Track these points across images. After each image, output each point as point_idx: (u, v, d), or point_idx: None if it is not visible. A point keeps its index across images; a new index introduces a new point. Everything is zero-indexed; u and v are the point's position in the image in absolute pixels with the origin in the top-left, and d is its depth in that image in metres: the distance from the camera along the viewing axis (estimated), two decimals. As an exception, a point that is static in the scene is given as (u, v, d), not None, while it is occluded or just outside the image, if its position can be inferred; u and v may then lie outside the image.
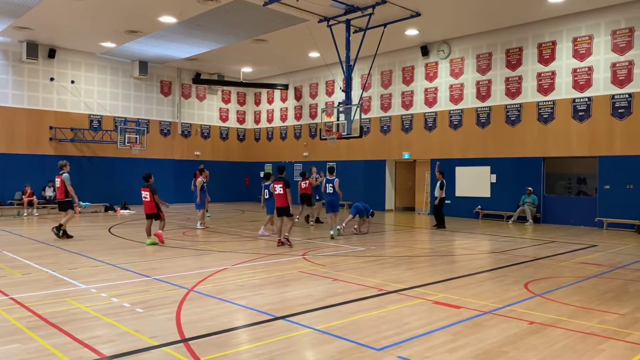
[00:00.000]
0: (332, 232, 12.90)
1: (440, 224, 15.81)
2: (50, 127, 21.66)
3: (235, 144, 28.87)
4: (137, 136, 22.81)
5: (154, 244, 11.37)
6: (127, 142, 22.21)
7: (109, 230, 14.60)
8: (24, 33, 19.56)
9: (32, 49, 20.74)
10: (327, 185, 13.25)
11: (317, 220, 16.46)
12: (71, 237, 12.38)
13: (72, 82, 22.40)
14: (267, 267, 8.90)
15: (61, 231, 12.20)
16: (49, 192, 20.68)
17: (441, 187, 15.81)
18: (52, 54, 21.48)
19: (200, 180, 15.19)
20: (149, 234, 11.61)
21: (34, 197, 19.39)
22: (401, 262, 9.66)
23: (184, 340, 4.91)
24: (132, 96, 24.39)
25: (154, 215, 11.57)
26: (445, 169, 20.13)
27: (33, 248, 11.02)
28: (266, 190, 13.27)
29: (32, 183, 19.92)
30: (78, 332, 5.09)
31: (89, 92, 22.95)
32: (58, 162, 12.88)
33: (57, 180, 12.49)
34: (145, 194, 11.46)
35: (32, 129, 21.26)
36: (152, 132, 24.91)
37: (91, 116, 23.03)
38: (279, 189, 11.34)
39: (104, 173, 22.91)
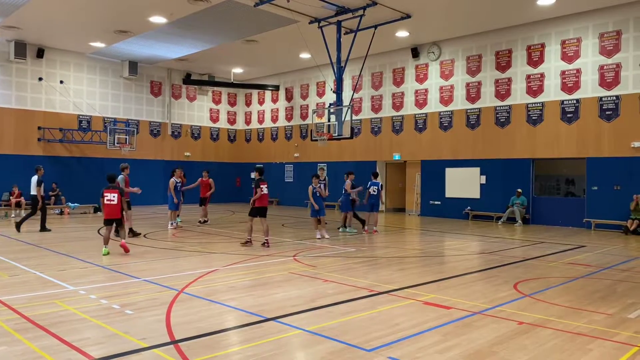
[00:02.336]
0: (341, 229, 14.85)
1: (362, 223, 15.15)
2: (39, 128, 21.47)
3: (225, 144, 28.79)
4: (127, 137, 22.67)
5: (109, 253, 10.14)
6: (117, 143, 22.07)
7: (98, 231, 14.48)
8: (12, 32, 19.37)
9: (20, 49, 20.55)
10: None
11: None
12: (139, 234, 13.20)
13: (61, 82, 22.22)
14: (258, 269, 8.88)
15: (130, 232, 13.00)
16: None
17: (354, 189, 15.18)
18: (40, 53, 21.30)
19: (172, 180, 15.12)
20: (106, 242, 10.24)
21: (22, 198, 19.18)
22: (392, 263, 9.68)
23: (174, 342, 4.88)
24: (121, 96, 24.25)
25: (118, 220, 10.31)
26: (435, 170, 20.33)
27: (21, 249, 10.89)
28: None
29: (20, 184, 19.67)
30: (66, 334, 5.04)
31: (78, 92, 22.78)
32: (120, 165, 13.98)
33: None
34: (112, 196, 10.17)
35: (20, 129, 21.06)
36: (142, 133, 24.78)
37: (80, 116, 22.86)
38: (265, 189, 11.43)
39: (93, 174, 22.71)
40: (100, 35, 19.78)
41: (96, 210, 21.15)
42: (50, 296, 6.66)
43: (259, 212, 11.44)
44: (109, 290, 7.10)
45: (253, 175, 27.93)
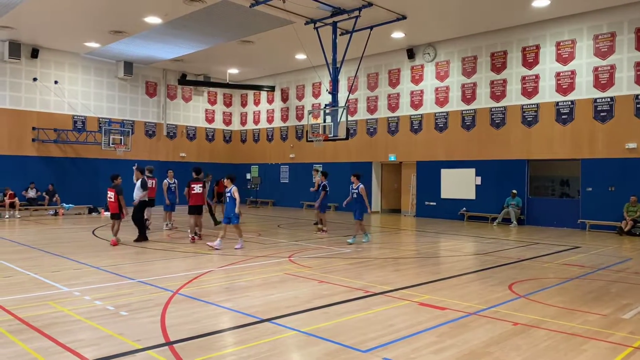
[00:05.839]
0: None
1: (141, 235, 12.19)
2: (33, 128, 21.36)
3: (221, 145, 28.75)
4: (122, 137, 22.59)
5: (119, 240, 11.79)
6: (112, 144, 21.99)
7: (93, 232, 14.42)
8: (6, 32, 19.27)
9: (15, 49, 20.44)
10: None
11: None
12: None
13: (56, 82, 22.12)
14: (253, 270, 8.87)
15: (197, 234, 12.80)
16: (31, 194, 20.39)
17: (143, 188, 12.23)
18: (35, 53, 21.19)
19: (165, 182, 15.18)
20: (115, 234, 11.78)
21: (16, 198, 19.09)
22: (387, 264, 9.69)
23: (169, 343, 4.86)
24: (116, 97, 24.17)
25: (117, 215, 11.70)
26: (430, 171, 20.37)
27: (15, 250, 10.84)
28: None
29: (14, 184, 19.60)
30: (60, 335, 5.02)
31: (72, 93, 22.69)
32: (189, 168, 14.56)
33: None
34: (111, 194, 11.67)
35: (15, 129, 20.94)
36: (137, 133, 24.71)
37: (75, 117, 22.77)
38: (198, 188, 12.51)
39: (88, 174, 22.65)
40: (95, 35, 19.71)
41: (90, 211, 21.09)
42: (44, 297, 6.62)
43: (193, 210, 12.49)
44: (103, 291, 7.07)
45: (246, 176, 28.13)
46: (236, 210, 11.14)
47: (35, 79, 21.52)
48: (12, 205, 18.90)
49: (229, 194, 11.24)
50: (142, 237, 12.16)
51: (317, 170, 17.71)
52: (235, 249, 11.12)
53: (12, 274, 8.16)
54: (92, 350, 4.62)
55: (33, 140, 21.40)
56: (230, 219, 11.22)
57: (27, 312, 5.87)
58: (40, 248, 11.09)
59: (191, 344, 4.84)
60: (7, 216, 18.66)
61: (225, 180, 11.39)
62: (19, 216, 18.86)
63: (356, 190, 12.51)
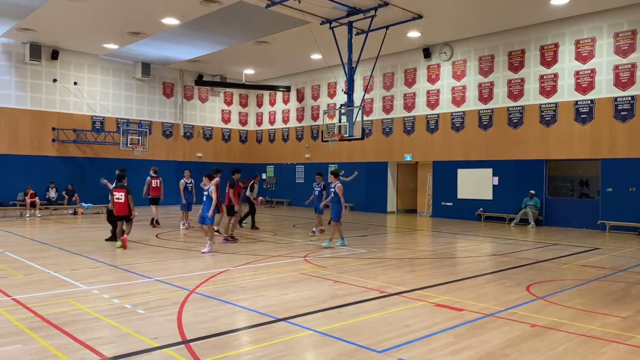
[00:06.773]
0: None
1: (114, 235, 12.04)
2: (53, 129, 21.72)
3: (237, 145, 28.90)
4: (140, 137, 22.87)
5: (122, 246, 10.98)
6: (130, 144, 22.27)
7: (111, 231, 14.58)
8: (27, 34, 19.63)
9: (35, 51, 20.80)
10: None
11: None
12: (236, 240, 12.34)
13: (75, 83, 22.46)
14: (269, 269, 8.90)
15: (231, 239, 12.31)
16: (51, 193, 20.73)
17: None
18: (55, 55, 21.54)
19: (182, 181, 15.40)
20: (120, 236, 11.13)
21: (37, 198, 19.42)
22: (403, 265, 9.65)
23: (186, 341, 4.91)
24: (134, 97, 24.45)
25: (125, 217, 11.19)
26: (447, 171, 20.22)
27: (35, 249, 11.03)
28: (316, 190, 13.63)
29: (35, 184, 19.95)
30: (80, 333, 5.10)
31: (91, 94, 23.01)
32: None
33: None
34: (120, 195, 11.09)
35: (35, 130, 21.32)
36: (155, 134, 24.97)
37: (94, 117, 23.09)
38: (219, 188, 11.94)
39: (106, 174, 22.72)
40: (113, 36, 19.96)
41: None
42: (64, 295, 6.73)
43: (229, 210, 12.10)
44: (121, 289, 7.16)
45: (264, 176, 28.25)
46: (209, 212, 10.63)
47: (55, 80, 21.88)
48: (32, 205, 19.23)
49: (206, 193, 10.72)
50: (113, 238, 11.80)
51: (324, 175, 16.84)
52: (202, 252, 10.53)
53: (33, 272, 8.31)
54: (110, 348, 4.69)
55: (53, 140, 21.76)
56: (204, 218, 10.73)
57: (48, 309, 5.97)
58: (59, 247, 11.27)
59: (207, 343, 4.88)
60: (27, 215, 19.00)
61: (204, 178, 10.89)
62: (39, 215, 19.19)
63: (333, 189, 11.77)
